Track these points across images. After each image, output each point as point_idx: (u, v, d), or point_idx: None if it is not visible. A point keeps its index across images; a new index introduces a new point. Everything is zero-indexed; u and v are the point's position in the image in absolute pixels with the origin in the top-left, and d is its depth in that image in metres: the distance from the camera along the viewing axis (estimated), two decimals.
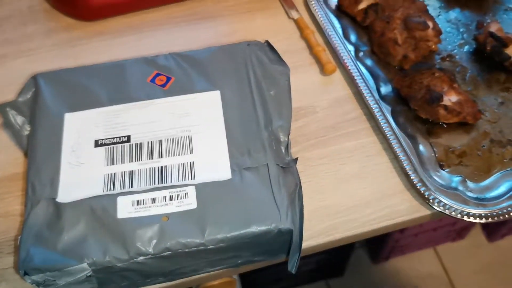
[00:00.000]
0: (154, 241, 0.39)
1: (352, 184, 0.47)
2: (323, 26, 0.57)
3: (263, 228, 0.40)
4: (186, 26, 0.59)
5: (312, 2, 0.59)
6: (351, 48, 0.55)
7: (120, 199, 0.42)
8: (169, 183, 0.43)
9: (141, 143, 0.46)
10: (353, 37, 0.56)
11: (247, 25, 0.59)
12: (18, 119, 0.49)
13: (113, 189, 0.43)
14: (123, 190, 0.43)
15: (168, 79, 0.50)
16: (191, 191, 0.42)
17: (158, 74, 0.50)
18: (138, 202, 0.42)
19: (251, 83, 0.49)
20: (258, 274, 0.97)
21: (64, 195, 0.43)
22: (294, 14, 0.59)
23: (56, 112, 0.48)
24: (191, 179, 0.43)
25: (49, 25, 0.59)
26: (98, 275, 0.40)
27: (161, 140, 0.46)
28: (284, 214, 0.41)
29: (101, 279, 0.40)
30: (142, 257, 0.39)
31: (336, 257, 1.05)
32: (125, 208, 0.41)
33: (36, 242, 0.40)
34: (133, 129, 0.47)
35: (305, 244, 0.43)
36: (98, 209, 0.41)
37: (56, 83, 0.50)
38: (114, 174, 0.44)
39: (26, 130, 0.48)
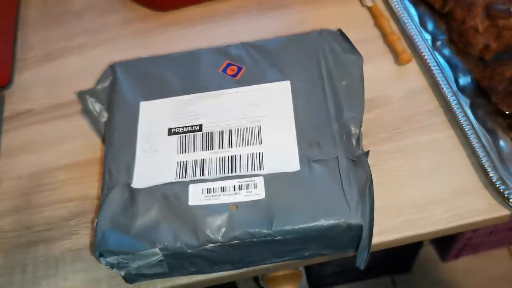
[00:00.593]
0: (223, 230, 0.40)
1: (426, 180, 0.45)
2: (398, 13, 0.55)
3: (331, 222, 0.39)
4: (256, 15, 0.59)
5: None
6: (428, 36, 0.53)
7: (191, 187, 0.43)
8: (238, 173, 0.43)
9: (212, 132, 0.46)
10: (430, 25, 0.54)
11: (318, 13, 0.58)
12: (96, 106, 0.51)
13: (185, 177, 0.44)
14: (194, 178, 0.43)
15: (239, 69, 0.50)
16: (260, 181, 0.42)
17: (229, 64, 0.51)
18: (208, 190, 0.42)
19: (323, 73, 0.48)
20: (322, 265, 0.97)
21: (139, 181, 0.44)
22: (368, 1, 0.57)
23: (132, 100, 0.50)
24: (260, 169, 0.43)
25: (126, 15, 0.61)
26: (169, 260, 0.41)
27: (231, 130, 0.46)
28: (354, 208, 0.40)
29: (171, 264, 0.41)
30: (211, 245, 0.40)
31: (403, 252, 1.03)
32: (196, 196, 0.42)
33: (111, 225, 0.41)
34: (204, 118, 0.47)
35: (374, 240, 0.42)
36: (171, 195, 0.42)
37: (132, 72, 0.52)
38: (186, 162, 0.45)
39: (104, 117, 0.50)
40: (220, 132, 0.46)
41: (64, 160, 0.51)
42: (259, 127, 0.46)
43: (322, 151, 0.43)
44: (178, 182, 0.43)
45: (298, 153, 0.44)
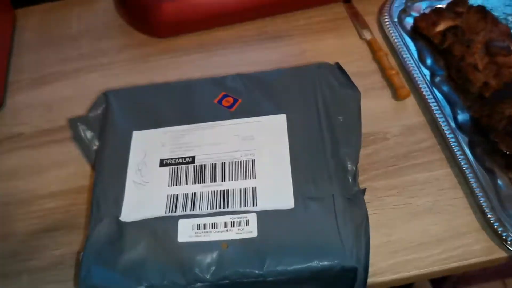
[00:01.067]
0: (212, 268, 0.38)
1: (422, 219, 0.44)
2: (397, 48, 0.54)
3: (325, 263, 0.38)
4: (255, 45, 0.58)
5: (387, 23, 0.56)
6: (426, 72, 0.52)
7: (181, 222, 0.41)
8: (230, 208, 0.42)
9: (205, 165, 0.45)
10: (429, 61, 0.54)
11: (317, 45, 0.58)
12: (87, 134, 0.50)
13: (175, 211, 0.42)
14: (184, 213, 0.42)
15: (235, 101, 0.49)
16: (252, 218, 0.41)
17: (225, 96, 0.50)
18: (199, 226, 0.41)
19: (319, 107, 0.48)
20: None
21: (127, 214, 0.43)
22: (367, 35, 0.57)
23: (125, 129, 0.49)
24: (253, 205, 0.42)
25: (123, 41, 0.61)
26: None
27: (224, 163, 0.45)
28: (349, 250, 0.39)
29: None
30: (199, 284, 0.38)
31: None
32: (186, 232, 0.41)
33: (97, 260, 0.40)
34: (198, 150, 0.46)
35: (369, 281, 0.41)
36: (159, 230, 0.41)
37: (126, 101, 0.51)
38: (177, 195, 0.44)
39: (95, 144, 0.49)
40: (213, 165, 0.45)
41: (53, 187, 0.50)
42: (253, 161, 0.45)
43: (317, 188, 0.42)
44: (168, 216, 0.42)
45: (293, 189, 0.43)
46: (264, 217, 0.41)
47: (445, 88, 0.51)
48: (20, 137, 0.54)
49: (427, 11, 0.56)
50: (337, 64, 0.51)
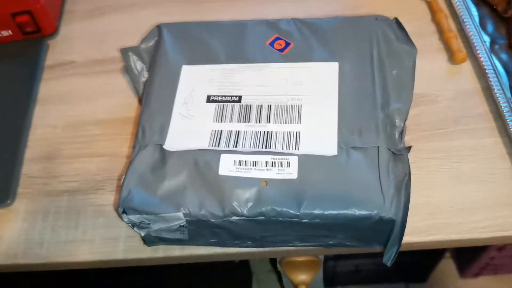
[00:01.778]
0: (250, 204, 0.39)
1: (465, 185, 0.43)
2: (458, 11, 0.52)
3: (363, 212, 0.38)
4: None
5: None
6: (486, 39, 0.50)
7: (223, 156, 0.42)
8: (272, 149, 0.42)
9: (251, 105, 0.45)
10: (490, 28, 0.51)
11: (376, 3, 0.56)
12: (138, 65, 0.50)
13: (218, 145, 0.43)
14: (227, 148, 0.42)
15: (287, 44, 0.48)
16: (294, 160, 0.41)
17: (277, 38, 0.49)
18: (240, 162, 0.41)
19: (374, 59, 0.46)
20: (338, 261, 0.95)
21: (171, 143, 0.43)
22: None
23: (175, 62, 0.49)
24: (296, 149, 0.42)
25: None
26: (190, 227, 0.40)
27: (270, 105, 0.45)
28: (389, 202, 0.38)
29: (192, 231, 0.41)
30: (235, 217, 0.39)
31: (421, 261, 1.00)
32: (227, 166, 0.41)
33: (138, 184, 0.41)
34: (245, 90, 0.46)
35: (404, 239, 0.40)
36: (201, 162, 0.41)
37: (178, 35, 0.51)
38: (221, 131, 0.44)
39: (144, 76, 0.50)
40: (259, 106, 0.45)
41: (99, 115, 0.51)
42: (299, 106, 0.44)
43: (363, 139, 0.42)
44: (211, 150, 0.42)
45: (338, 137, 0.42)
46: (305, 161, 0.41)
47: (504, 57, 0.49)
48: (72, 64, 0.55)
49: None
50: (396, 19, 0.49)
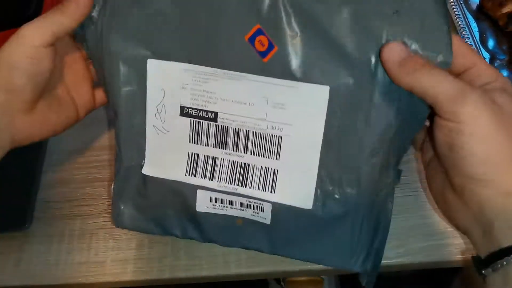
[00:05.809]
0: (226, 239, 0.42)
1: None
2: (458, 28, 0.53)
3: (332, 264, 0.40)
4: None
5: (451, 1, 0.54)
6: (486, 55, 0.50)
7: (199, 193, 0.40)
8: (248, 188, 0.39)
9: (227, 128, 0.38)
10: (491, 43, 0.51)
11: None
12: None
13: (195, 175, 0.40)
14: (203, 180, 0.40)
15: (270, 46, 0.35)
16: (267, 208, 0.39)
17: (259, 32, 0.35)
18: (216, 200, 0.40)
19: (377, 82, 0.35)
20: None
21: (149, 167, 0.41)
22: None
23: (136, 52, 0.38)
24: (271, 191, 0.39)
25: None
26: None
27: (248, 131, 0.38)
28: (360, 259, 0.39)
29: None
30: (209, 241, 0.42)
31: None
32: (203, 203, 0.41)
33: (127, 203, 0.42)
34: (221, 105, 0.38)
35: (399, 261, 0.42)
36: (179, 194, 0.41)
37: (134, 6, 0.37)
38: (198, 155, 0.39)
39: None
40: (236, 130, 0.38)
41: (110, 140, 0.53)
42: (280, 138, 0.37)
43: (341, 192, 0.38)
44: (187, 184, 0.40)
45: (316, 186, 0.38)
46: (279, 210, 0.39)
47: (504, 74, 0.49)
48: None
49: None
50: None
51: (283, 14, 0.34)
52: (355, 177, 0.37)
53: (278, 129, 0.37)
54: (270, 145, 0.38)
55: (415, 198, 0.45)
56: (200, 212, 0.41)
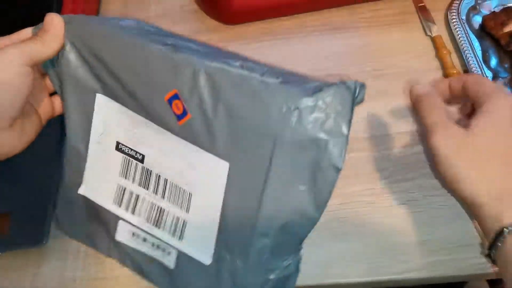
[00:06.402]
0: (137, 270, 0.45)
1: (467, 221, 0.45)
2: (461, 46, 0.54)
3: None
4: (319, 35, 0.60)
5: (454, 20, 0.55)
6: (489, 74, 0.51)
7: (121, 224, 0.45)
8: (161, 230, 0.43)
9: (151, 171, 0.42)
10: (493, 62, 0.53)
11: (381, 39, 0.58)
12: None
13: (120, 205, 0.44)
14: (125, 213, 0.44)
15: (184, 113, 0.38)
16: (173, 254, 0.43)
17: (176, 96, 0.38)
18: (133, 234, 0.44)
19: (273, 166, 0.36)
20: None
21: (85, 189, 0.45)
22: (432, 31, 0.56)
23: (87, 84, 0.42)
24: (179, 238, 0.42)
25: (195, 25, 0.64)
26: None
27: (167, 180, 0.41)
28: None
29: None
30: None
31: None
32: (123, 234, 0.45)
33: (65, 212, 0.47)
34: (147, 150, 0.42)
35: (405, 276, 0.43)
36: (105, 220, 0.45)
37: (86, 38, 0.40)
38: (125, 189, 0.43)
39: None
40: (158, 176, 0.42)
41: None
42: (190, 194, 0.41)
43: (232, 260, 0.40)
44: (112, 213, 0.45)
45: (214, 248, 0.41)
46: (183, 258, 0.43)
47: (507, 91, 0.50)
48: None
49: (497, 9, 0.55)
50: (358, 84, 0.35)
51: (200, 85, 0.37)
52: (245, 251, 0.39)
53: (189, 186, 0.41)
54: (182, 198, 0.41)
55: (421, 215, 0.46)
56: (118, 241, 0.45)
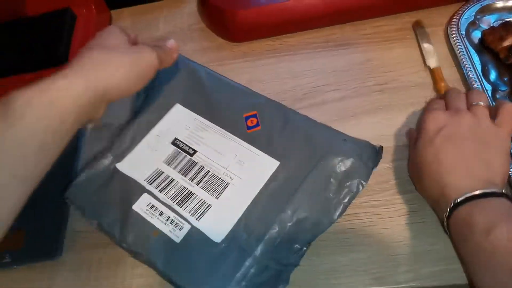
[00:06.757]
0: (138, 243, 0.47)
1: None
2: (461, 61, 0.55)
3: None
4: (322, 52, 0.61)
5: (453, 35, 0.57)
6: (488, 87, 0.53)
7: (145, 195, 0.49)
8: (183, 208, 0.48)
9: (196, 163, 0.51)
10: (493, 75, 0.54)
11: (382, 55, 0.59)
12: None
13: (151, 184, 0.50)
14: (154, 189, 0.49)
15: (257, 125, 0.52)
16: (186, 228, 0.47)
17: (255, 115, 0.53)
18: (152, 207, 0.48)
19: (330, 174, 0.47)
20: None
21: (124, 165, 0.52)
22: (431, 63, 0.56)
23: (172, 96, 0.55)
24: (197, 219, 0.47)
25: (203, 43, 0.66)
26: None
27: (209, 171, 0.50)
28: None
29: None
30: (125, 245, 0.48)
31: None
32: (141, 204, 0.49)
33: (81, 185, 0.52)
34: (202, 147, 0.51)
35: (409, 285, 0.44)
36: (129, 190, 0.50)
37: (187, 71, 0.57)
38: (163, 172, 0.50)
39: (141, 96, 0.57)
40: (201, 167, 0.50)
41: None
42: (227, 184, 0.49)
43: (248, 241, 0.45)
44: (140, 184, 0.50)
45: (230, 229, 0.46)
46: (193, 233, 0.46)
47: None
48: None
49: (496, 24, 0.56)
50: (379, 148, 0.49)
51: (275, 113, 0.53)
52: (263, 232, 0.45)
53: (230, 177, 0.49)
54: (217, 186, 0.49)
55: (423, 225, 0.47)
56: (133, 209, 0.48)
